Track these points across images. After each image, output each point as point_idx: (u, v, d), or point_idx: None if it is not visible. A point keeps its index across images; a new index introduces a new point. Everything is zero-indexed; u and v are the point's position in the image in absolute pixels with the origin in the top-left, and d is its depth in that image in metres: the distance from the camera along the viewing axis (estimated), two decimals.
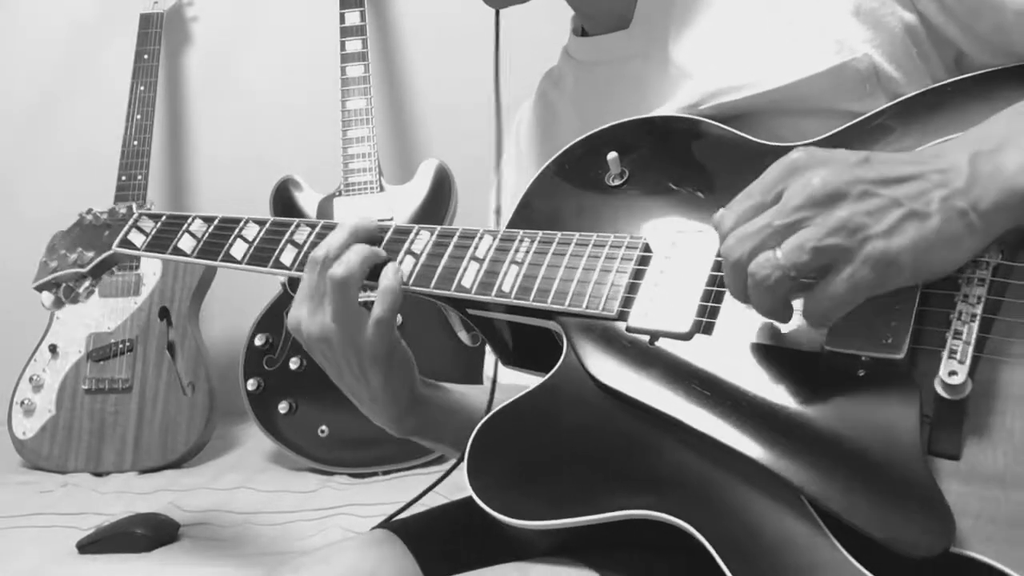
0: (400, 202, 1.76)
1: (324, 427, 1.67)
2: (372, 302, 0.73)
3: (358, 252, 0.73)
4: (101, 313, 1.83)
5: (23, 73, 2.19)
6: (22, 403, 1.81)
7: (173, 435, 1.74)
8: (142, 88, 1.95)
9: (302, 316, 0.74)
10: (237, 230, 0.84)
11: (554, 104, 0.93)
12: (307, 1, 2.04)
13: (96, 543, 1.32)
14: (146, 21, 2.01)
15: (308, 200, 1.79)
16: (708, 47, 0.76)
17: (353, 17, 1.85)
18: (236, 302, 1.94)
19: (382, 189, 1.77)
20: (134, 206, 0.97)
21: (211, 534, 1.38)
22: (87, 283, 0.97)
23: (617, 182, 0.75)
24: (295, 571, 0.75)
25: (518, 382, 0.78)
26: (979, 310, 0.55)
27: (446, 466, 0.80)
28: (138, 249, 0.91)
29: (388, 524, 0.80)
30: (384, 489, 1.54)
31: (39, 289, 1.00)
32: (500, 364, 0.80)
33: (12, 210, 2.19)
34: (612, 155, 0.75)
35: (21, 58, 2.18)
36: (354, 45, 1.83)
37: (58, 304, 0.99)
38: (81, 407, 1.79)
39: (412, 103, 2.07)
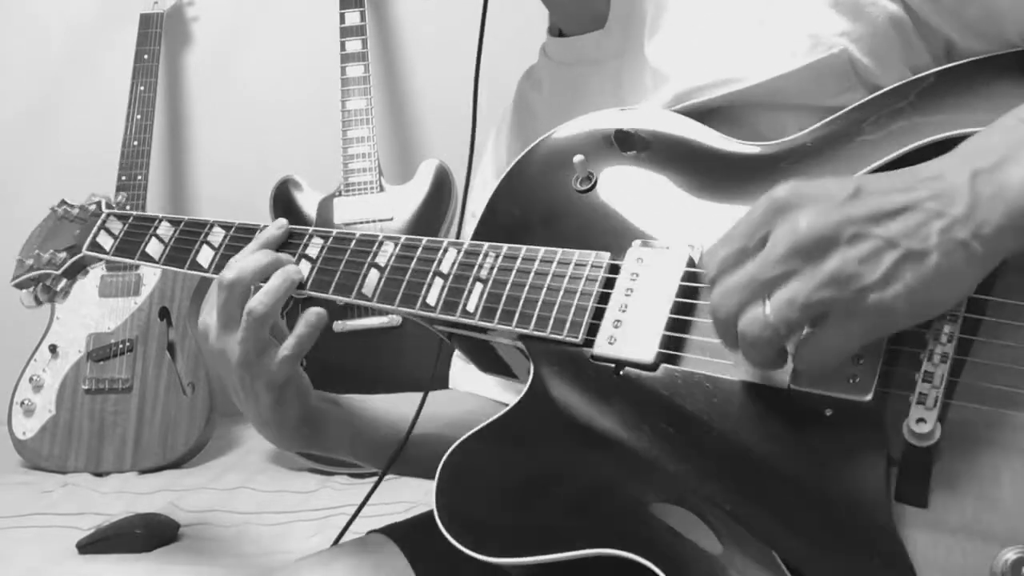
0: (400, 202, 1.76)
1: None
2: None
3: (270, 291, 0.71)
4: (101, 313, 1.83)
5: (23, 73, 2.19)
6: (22, 403, 1.80)
7: (173, 435, 1.74)
8: (142, 88, 1.95)
9: (211, 325, 0.73)
10: (202, 235, 0.81)
11: (533, 106, 0.90)
12: (307, 1, 2.03)
13: (96, 543, 1.32)
14: (146, 21, 2.01)
15: (308, 200, 1.79)
16: (681, 45, 0.73)
17: (353, 17, 1.85)
18: None
19: (382, 189, 1.77)
20: (103, 203, 0.94)
21: (211, 534, 1.38)
22: (63, 283, 0.95)
23: (584, 186, 0.71)
24: (295, 574, 0.75)
25: (474, 388, 0.83)
26: (951, 349, 0.52)
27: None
28: (107, 253, 0.88)
29: (385, 529, 0.81)
30: (383, 490, 1.52)
31: (17, 287, 0.98)
32: (456, 377, 0.85)
33: (12, 210, 2.19)
34: (578, 158, 0.70)
35: (21, 58, 2.18)
36: (354, 45, 1.83)
37: (36, 302, 0.97)
38: (81, 407, 1.78)
39: (412, 103, 2.07)
